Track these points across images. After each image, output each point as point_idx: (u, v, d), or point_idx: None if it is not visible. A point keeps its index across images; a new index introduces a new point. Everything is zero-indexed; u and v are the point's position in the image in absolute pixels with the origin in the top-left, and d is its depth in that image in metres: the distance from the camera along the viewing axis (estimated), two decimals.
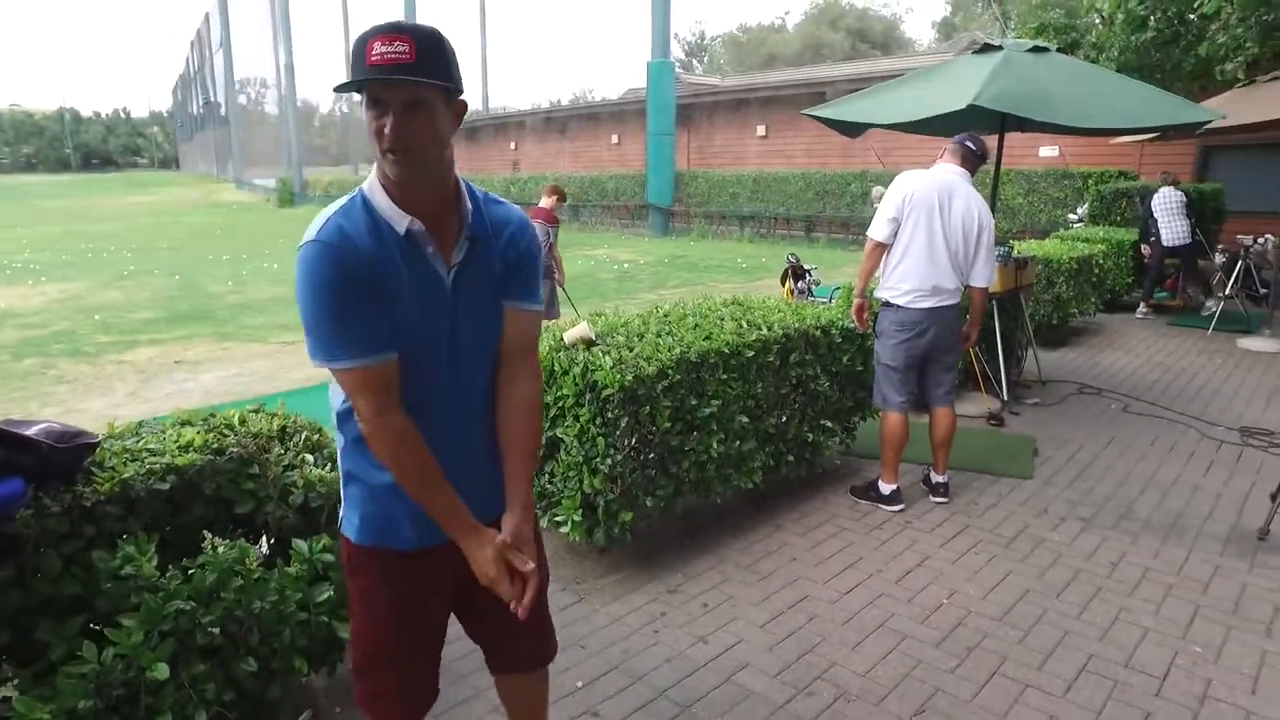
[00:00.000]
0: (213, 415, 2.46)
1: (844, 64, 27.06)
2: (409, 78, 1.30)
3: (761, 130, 21.69)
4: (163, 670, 1.82)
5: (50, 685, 1.80)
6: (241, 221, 27.71)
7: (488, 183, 28.17)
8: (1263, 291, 9.30)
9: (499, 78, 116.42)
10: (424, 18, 28.86)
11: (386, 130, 1.33)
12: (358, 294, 1.36)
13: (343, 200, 1.43)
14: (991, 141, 5.54)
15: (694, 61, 54.09)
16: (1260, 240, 9.13)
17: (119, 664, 1.80)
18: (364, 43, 1.32)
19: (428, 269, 1.44)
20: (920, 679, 2.56)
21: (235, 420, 2.41)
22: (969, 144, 3.84)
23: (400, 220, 1.40)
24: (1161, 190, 8.95)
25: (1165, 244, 8.91)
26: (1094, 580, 3.19)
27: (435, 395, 1.51)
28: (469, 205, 1.48)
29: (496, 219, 1.53)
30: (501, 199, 1.57)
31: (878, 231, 3.77)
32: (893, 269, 3.78)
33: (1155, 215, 8.93)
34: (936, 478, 3.96)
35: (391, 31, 1.31)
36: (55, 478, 1.92)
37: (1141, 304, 9.39)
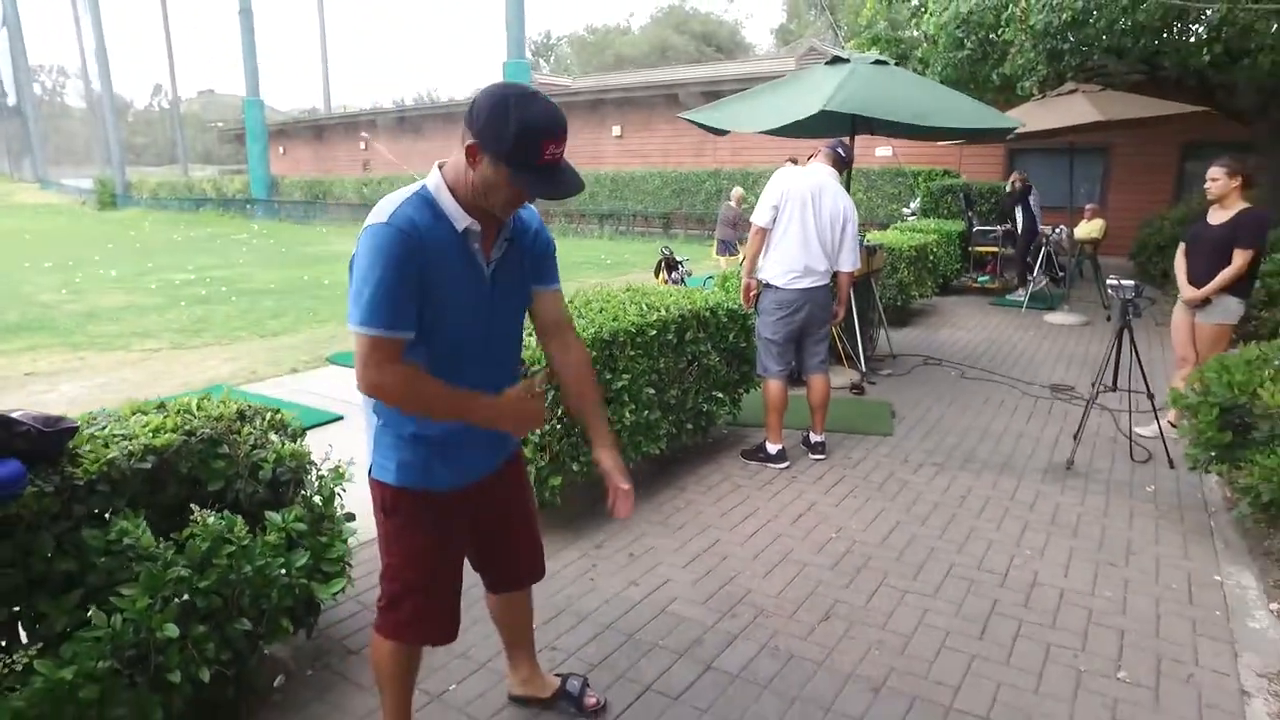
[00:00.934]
0: (163, 405, 2.54)
1: (695, 67, 28.12)
2: (577, 191, 1.59)
3: (617, 130, 22.28)
4: (173, 630, 1.96)
5: (55, 656, 1.90)
6: (55, 226, 25.27)
7: (337, 184, 27.15)
8: (1060, 275, 10.75)
9: (339, 76, 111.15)
10: (260, 12, 27.37)
11: (528, 201, 1.65)
12: (410, 277, 1.58)
13: (407, 193, 1.63)
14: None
15: (541, 61, 54.11)
16: (1057, 231, 10.55)
17: (129, 628, 1.92)
18: (538, 141, 1.51)
19: (473, 262, 1.69)
20: (822, 595, 3.04)
21: (192, 406, 2.51)
22: (840, 150, 4.46)
23: (461, 220, 1.64)
24: (1033, 190, 10.32)
25: (1040, 231, 10.24)
26: (949, 510, 3.82)
27: (476, 364, 1.77)
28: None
29: (523, 221, 1.81)
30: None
31: (761, 218, 4.29)
32: (771, 254, 4.30)
33: (1034, 209, 10.24)
34: (815, 437, 4.51)
35: (561, 135, 1.55)
36: (41, 461, 2.00)
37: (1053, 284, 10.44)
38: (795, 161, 10.31)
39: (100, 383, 6.28)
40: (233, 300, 10.25)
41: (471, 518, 1.95)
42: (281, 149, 32.37)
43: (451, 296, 1.66)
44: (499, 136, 1.52)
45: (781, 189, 4.24)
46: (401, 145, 27.38)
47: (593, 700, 2.36)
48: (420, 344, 1.67)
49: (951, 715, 2.37)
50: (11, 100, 50.36)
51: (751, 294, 4.43)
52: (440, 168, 1.68)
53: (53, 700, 1.80)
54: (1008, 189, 10.79)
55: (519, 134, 1.51)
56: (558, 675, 2.41)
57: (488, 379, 1.79)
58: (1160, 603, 2.97)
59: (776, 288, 4.30)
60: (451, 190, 1.65)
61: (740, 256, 4.66)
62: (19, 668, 1.77)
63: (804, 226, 4.22)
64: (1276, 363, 3.24)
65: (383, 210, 1.61)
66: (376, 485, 1.85)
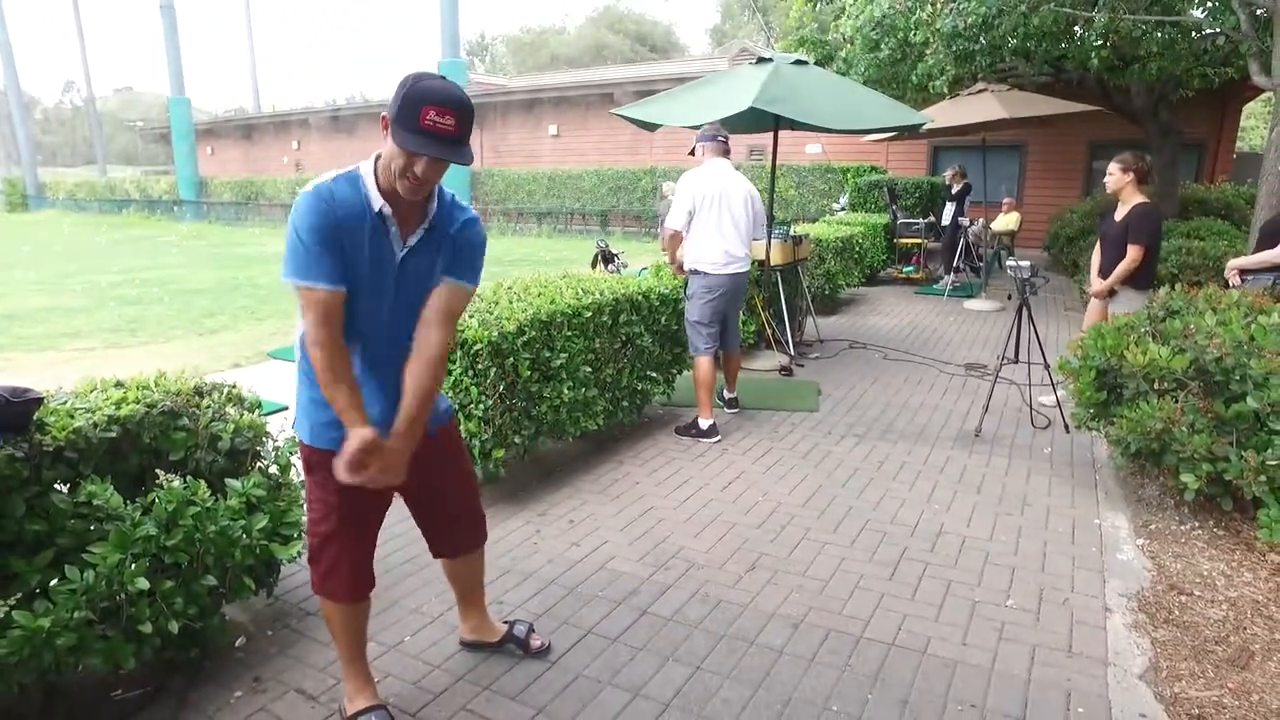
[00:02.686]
0: (120, 383, 2.66)
1: (630, 66, 28.42)
2: (449, 159, 1.75)
3: (554, 129, 22.40)
4: (143, 583, 2.10)
5: (28, 611, 2.02)
6: None
7: (269, 184, 26.59)
8: (979, 265, 11.36)
9: (267, 75, 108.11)
10: (182, 8, 26.60)
11: (418, 172, 1.77)
12: (326, 239, 1.78)
13: (346, 170, 1.85)
14: (769, 138, 6.56)
15: (476, 61, 53.71)
16: (975, 224, 11.15)
17: (102, 581, 2.06)
18: (418, 105, 1.70)
19: (385, 243, 1.88)
20: (749, 550, 3.31)
21: (150, 382, 2.63)
22: (720, 139, 4.84)
23: (376, 201, 1.85)
24: (971, 188, 10.86)
25: (960, 224, 10.75)
26: (868, 474, 4.14)
27: (379, 333, 1.96)
28: (435, 205, 1.93)
29: (453, 215, 1.99)
30: (463, 203, 2.01)
31: (676, 222, 4.73)
32: (700, 247, 4.71)
33: (965, 205, 10.74)
34: (729, 394, 5.12)
35: (443, 104, 1.71)
36: (10, 429, 2.12)
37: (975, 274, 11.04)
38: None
39: (34, 381, 6.17)
40: (165, 301, 10.08)
41: (390, 490, 2.11)
42: (209, 149, 31.48)
43: (358, 269, 1.85)
44: (394, 104, 1.76)
45: (693, 193, 4.68)
46: (334, 145, 26.95)
47: (538, 642, 2.58)
48: None
49: (861, 643, 2.65)
50: None
51: (680, 267, 4.91)
52: (376, 157, 1.88)
53: (32, 647, 1.93)
54: (947, 182, 11.26)
55: (404, 100, 1.73)
56: (505, 622, 2.61)
57: (381, 353, 1.98)
58: (1047, 544, 3.33)
59: (705, 274, 4.70)
60: (376, 176, 1.85)
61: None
62: (3, 614, 1.89)
63: (721, 220, 4.68)
64: (1141, 330, 3.64)
65: (314, 181, 1.83)
66: (300, 444, 2.07)
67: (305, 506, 2.12)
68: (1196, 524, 3.45)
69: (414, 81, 1.74)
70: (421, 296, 1.98)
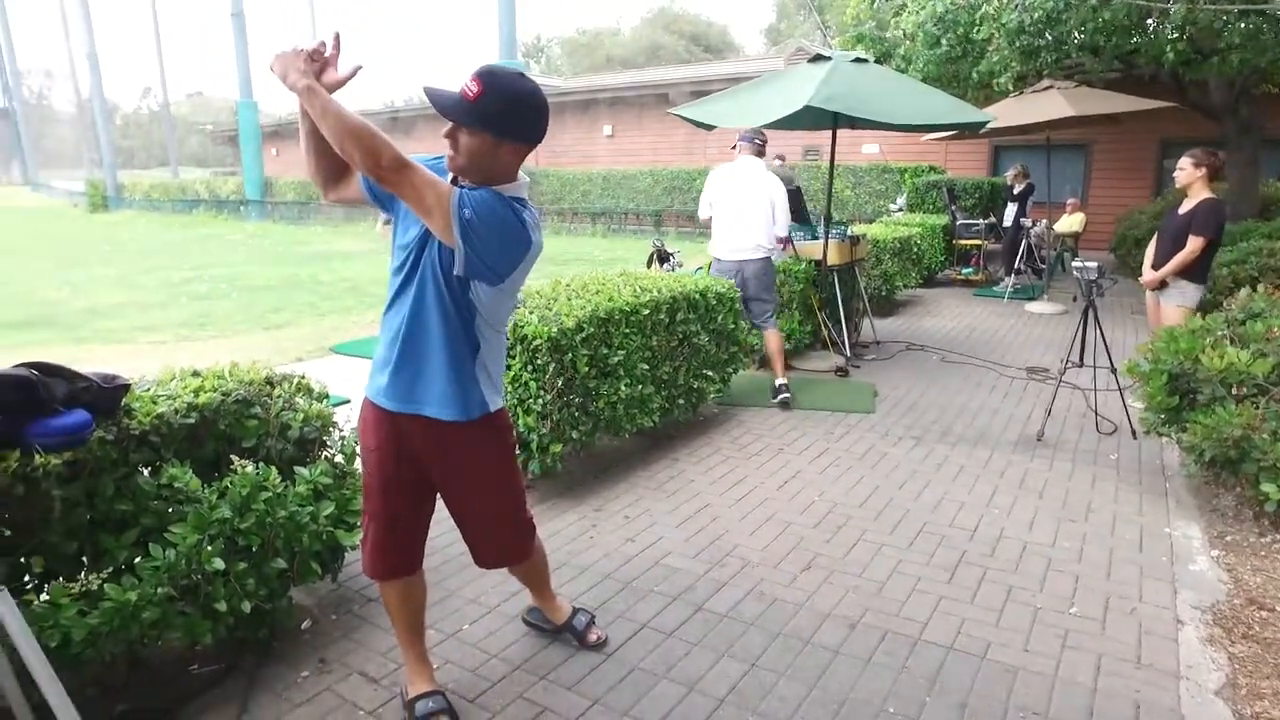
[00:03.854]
0: (197, 372, 2.77)
1: (685, 67, 28.37)
2: (450, 115, 1.81)
3: (609, 130, 22.50)
4: (219, 563, 2.19)
5: (117, 585, 2.13)
6: (51, 228, 25.32)
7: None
8: (1042, 266, 11.05)
9: None
10: (251, 13, 27.49)
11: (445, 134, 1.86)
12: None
13: None
14: (825, 137, 6.50)
15: (531, 63, 54.26)
16: (1037, 224, 10.84)
17: (181, 560, 2.16)
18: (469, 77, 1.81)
19: None
20: (804, 549, 3.29)
21: (225, 372, 2.74)
22: (756, 140, 5.44)
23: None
24: (1034, 188, 10.67)
25: (1021, 225, 10.51)
26: (925, 477, 4.07)
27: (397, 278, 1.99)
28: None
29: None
30: (521, 195, 1.96)
31: (701, 212, 5.44)
32: (714, 234, 5.38)
33: (1028, 205, 10.54)
34: (779, 382, 5.25)
35: (477, 73, 1.81)
36: (101, 413, 2.23)
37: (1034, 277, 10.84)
38: (783, 159, 10.67)
39: (112, 373, 6.47)
40: (233, 296, 10.45)
41: (416, 460, 2.09)
42: (275, 150, 32.44)
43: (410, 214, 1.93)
44: None
45: (714, 185, 5.39)
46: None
47: (594, 636, 2.60)
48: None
49: (919, 645, 2.61)
50: (0, 103, 50.18)
51: None
52: None
53: (120, 619, 2.03)
54: (1008, 182, 11.04)
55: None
56: (574, 607, 2.65)
57: (395, 297, 2.00)
58: (1113, 552, 3.23)
59: (718, 259, 5.46)
60: None
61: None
62: (95, 586, 2.00)
63: (729, 212, 5.30)
64: (1218, 333, 3.51)
65: None
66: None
67: None
68: (1278, 536, 3.31)
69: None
70: (433, 262, 1.91)
